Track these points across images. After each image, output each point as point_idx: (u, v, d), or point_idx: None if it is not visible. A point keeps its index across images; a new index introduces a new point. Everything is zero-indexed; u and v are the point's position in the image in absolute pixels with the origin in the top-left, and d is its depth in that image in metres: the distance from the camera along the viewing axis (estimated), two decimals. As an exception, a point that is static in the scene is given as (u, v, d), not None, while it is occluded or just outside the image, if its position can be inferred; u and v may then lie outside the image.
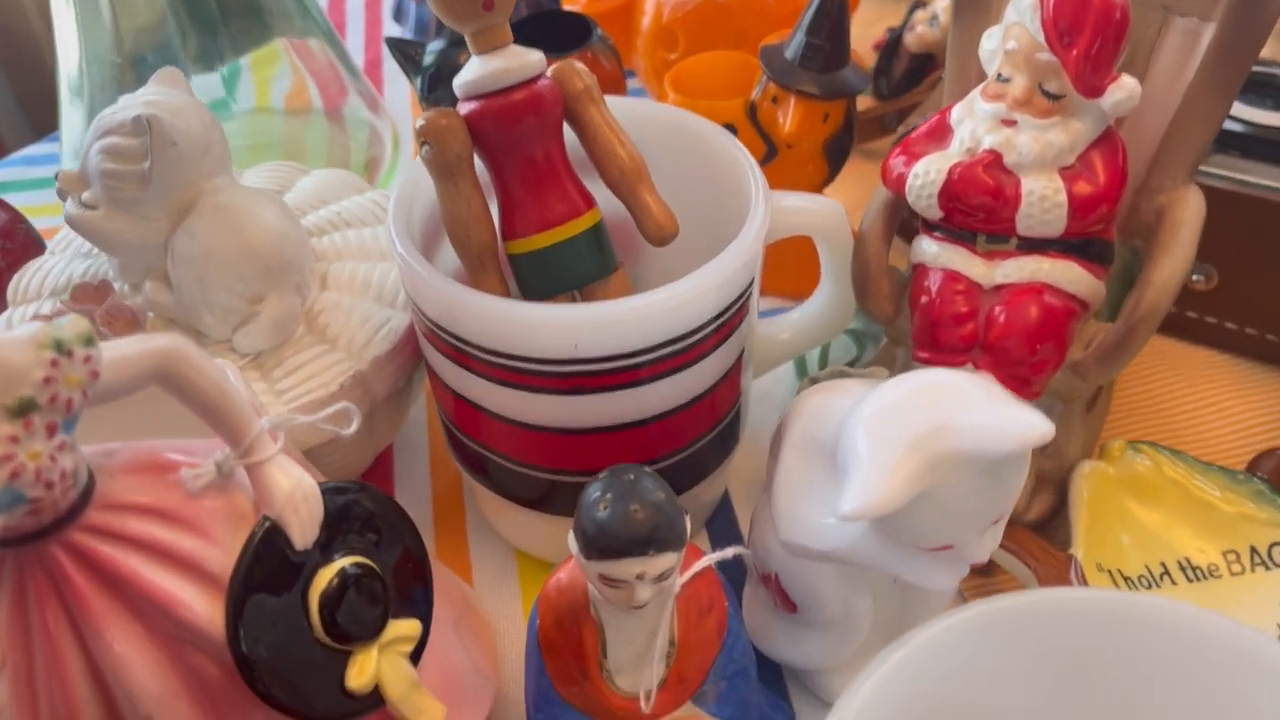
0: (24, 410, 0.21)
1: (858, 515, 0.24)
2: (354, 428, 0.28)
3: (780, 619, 0.33)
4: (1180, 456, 0.37)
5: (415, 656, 0.29)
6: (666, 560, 0.27)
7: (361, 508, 0.28)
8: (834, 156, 0.45)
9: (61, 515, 0.24)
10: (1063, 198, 0.32)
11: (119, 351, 0.23)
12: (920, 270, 0.35)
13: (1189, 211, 0.35)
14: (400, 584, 0.29)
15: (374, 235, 0.40)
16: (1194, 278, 0.43)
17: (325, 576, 0.27)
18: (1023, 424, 0.23)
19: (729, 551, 0.31)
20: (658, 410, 0.33)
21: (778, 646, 0.33)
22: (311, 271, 0.37)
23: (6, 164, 0.62)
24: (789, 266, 0.46)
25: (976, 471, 0.24)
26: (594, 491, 0.27)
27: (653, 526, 0.27)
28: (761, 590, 0.34)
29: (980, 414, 0.24)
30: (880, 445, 0.24)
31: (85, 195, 0.35)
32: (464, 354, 0.32)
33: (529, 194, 0.33)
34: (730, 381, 0.35)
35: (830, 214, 0.36)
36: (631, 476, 0.27)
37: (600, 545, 0.27)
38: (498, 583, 0.38)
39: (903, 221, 0.38)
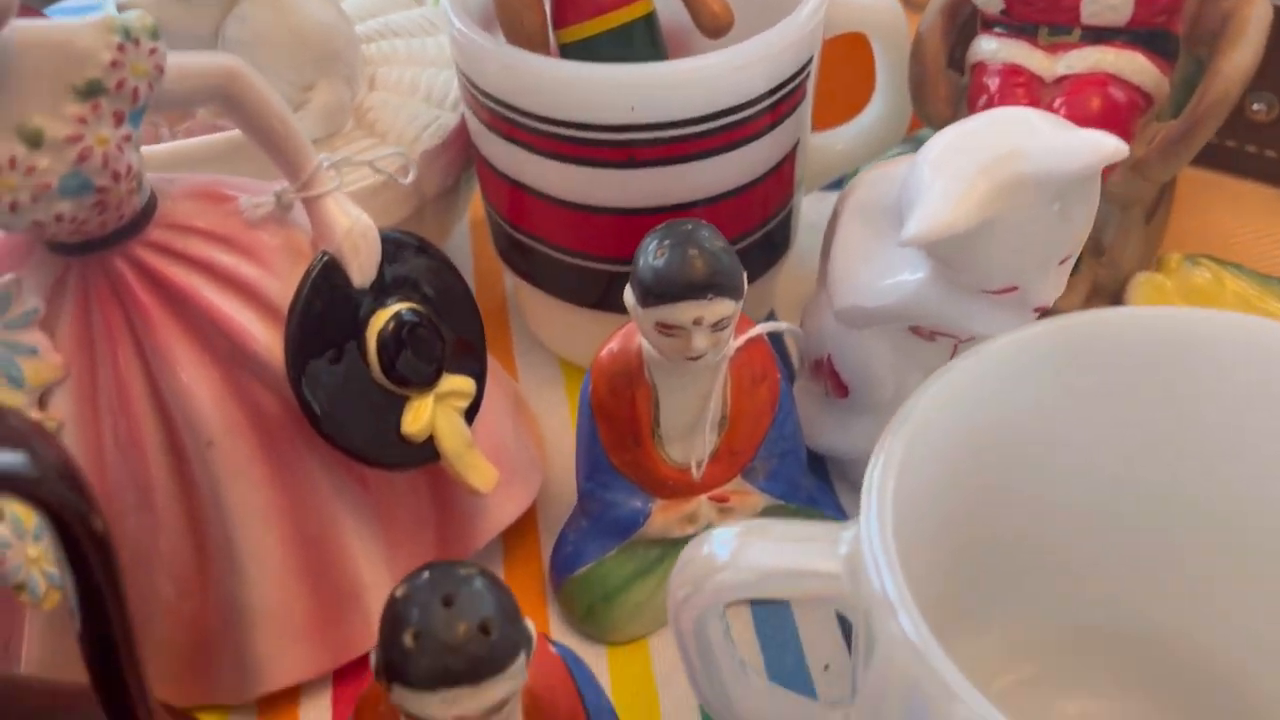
0: (92, 92, 0.21)
1: (923, 237, 0.23)
2: (410, 178, 0.28)
3: (830, 409, 0.33)
4: (1241, 270, 0.37)
5: (469, 417, 0.29)
6: (724, 307, 0.27)
7: (419, 259, 0.28)
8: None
9: (125, 225, 0.24)
10: (1132, -21, 0.32)
11: (185, 58, 0.23)
12: (979, 68, 0.35)
13: (1257, 9, 0.34)
14: (454, 341, 0.29)
15: (422, 45, 0.40)
16: (1254, 107, 0.42)
17: (382, 318, 0.27)
18: (1092, 142, 0.23)
19: (781, 325, 0.31)
20: (708, 193, 0.32)
21: (827, 436, 0.33)
22: (361, 68, 0.37)
23: None
24: (839, 96, 0.45)
25: (1045, 198, 0.24)
26: (651, 241, 0.27)
27: (711, 271, 0.26)
28: (811, 384, 0.34)
29: (1049, 138, 0.24)
30: (948, 173, 0.24)
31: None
32: (519, 128, 0.31)
33: (582, -21, 0.33)
34: (782, 176, 0.34)
35: (887, 10, 0.35)
36: (689, 227, 0.27)
37: (658, 290, 0.26)
38: (544, 391, 0.38)
39: (960, 28, 0.37)
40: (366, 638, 0.30)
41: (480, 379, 0.29)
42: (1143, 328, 0.23)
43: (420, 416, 0.28)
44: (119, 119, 0.22)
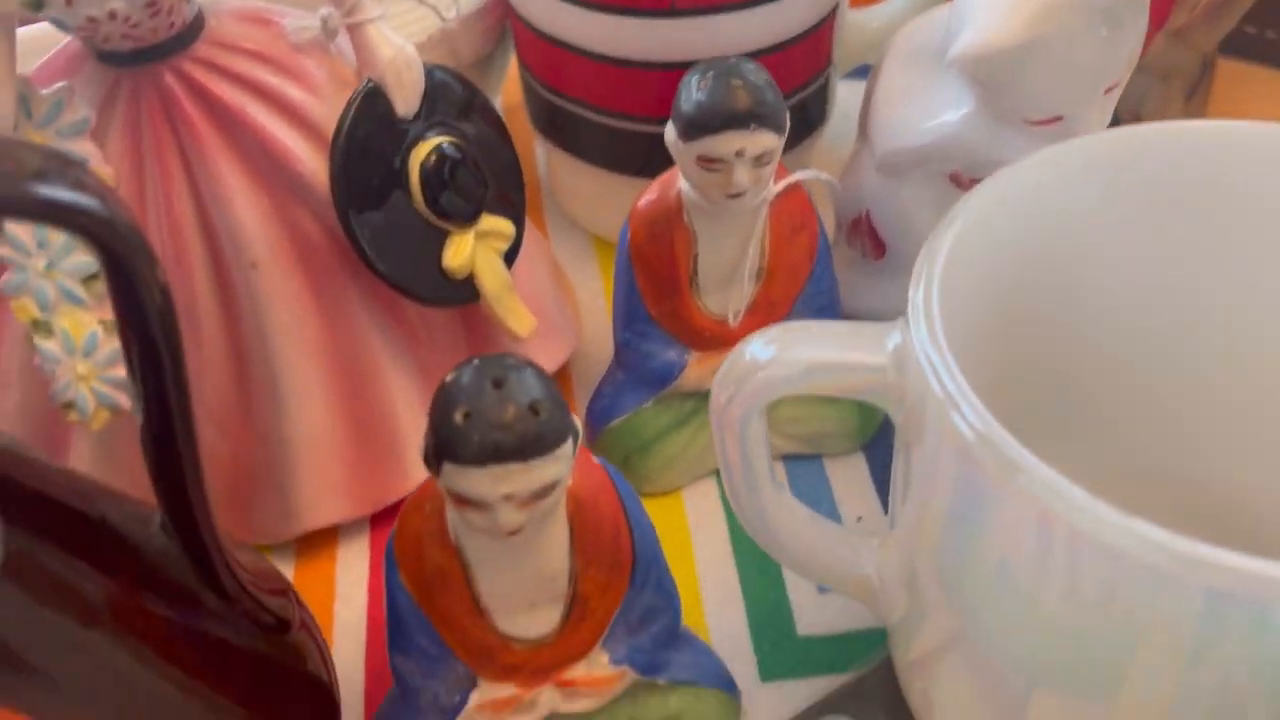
0: (145, -115, 0.22)
1: (971, 54, 0.23)
2: (453, 13, 0.28)
3: (866, 271, 0.33)
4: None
5: (509, 261, 0.29)
6: (767, 139, 0.27)
7: (463, 94, 0.28)
8: None
9: (174, 36, 0.24)
10: None
11: None
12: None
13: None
14: (496, 180, 0.29)
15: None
16: (1297, -7, 0.42)
17: (425, 149, 0.27)
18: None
19: (821, 174, 0.31)
20: (747, 47, 0.32)
21: (864, 297, 0.33)
22: (399, -67, 0.37)
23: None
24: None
25: (1093, 19, 0.24)
26: (694, 75, 0.27)
27: (755, 101, 0.26)
28: (847, 249, 0.34)
29: (1100, -44, 0.23)
30: (996, -6, 0.24)
31: None
32: (558, -24, 0.31)
33: None
34: (819, 40, 0.34)
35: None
36: (733, 60, 0.27)
37: (701, 120, 0.26)
38: (580, 265, 0.38)
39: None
40: (404, 484, 0.30)
41: (519, 224, 0.29)
42: (1180, 139, 0.23)
43: (461, 251, 0.28)
44: (172, -83, 0.22)
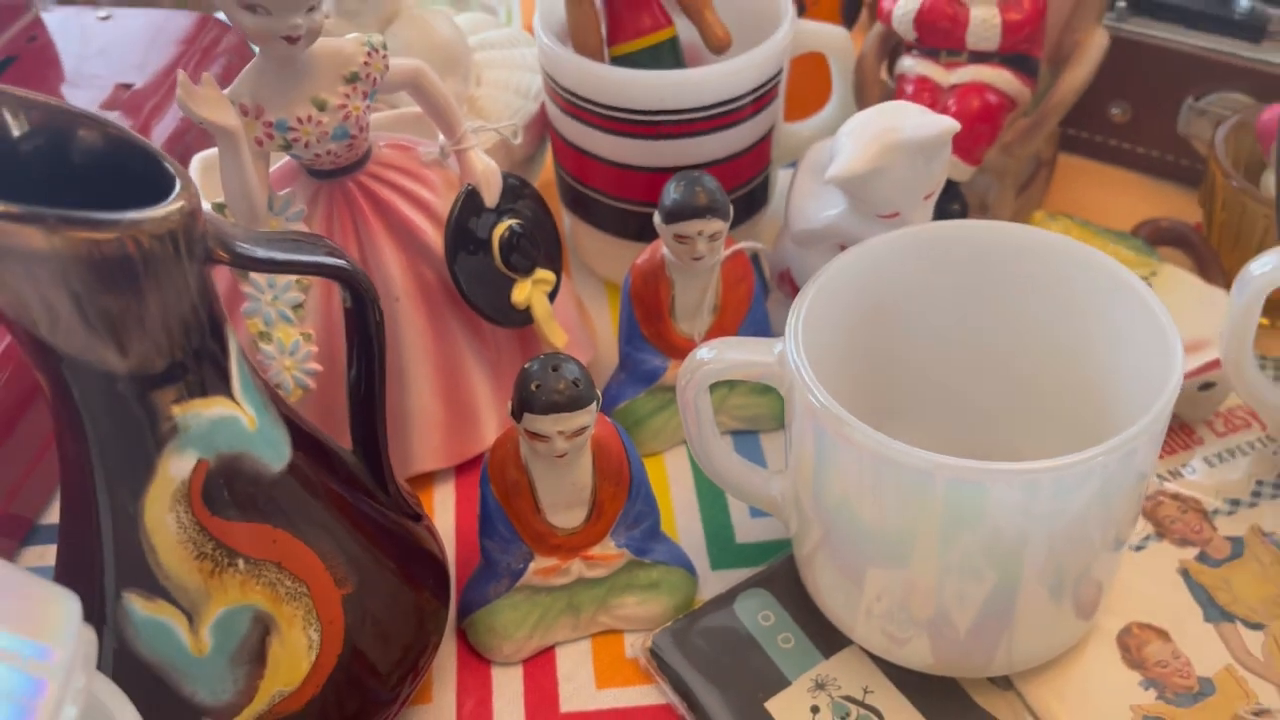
0: (353, 79, 0.37)
1: (840, 175, 0.39)
2: (519, 139, 0.44)
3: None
4: (1088, 224, 0.52)
5: (551, 298, 0.45)
6: (717, 225, 0.42)
7: (524, 192, 0.44)
8: (848, 14, 0.60)
9: (356, 161, 0.40)
10: (998, 21, 0.47)
11: (397, 61, 0.39)
12: (901, 78, 0.50)
13: (1094, 43, 0.50)
14: (545, 246, 0.44)
15: (510, 55, 0.55)
16: (1114, 111, 0.58)
17: (502, 227, 0.43)
18: (944, 120, 0.38)
19: (755, 245, 0.46)
20: (710, 158, 0.48)
21: (788, 325, 0.49)
22: (472, 69, 0.53)
23: None
24: (808, 98, 0.60)
25: (913, 154, 0.39)
26: (672, 183, 0.43)
27: (711, 200, 0.42)
28: (778, 292, 0.49)
29: (916, 118, 0.39)
30: (855, 138, 0.39)
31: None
32: (585, 110, 0.47)
33: (626, 12, 0.49)
34: (761, 150, 0.50)
35: (840, 36, 0.51)
36: (696, 173, 0.43)
37: (676, 211, 0.42)
38: (593, 302, 0.54)
39: (890, 52, 0.53)
40: (480, 445, 0.45)
41: (559, 274, 0.45)
42: (968, 233, 0.39)
43: (523, 292, 0.43)
44: (364, 95, 0.38)
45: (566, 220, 0.57)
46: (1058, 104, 0.49)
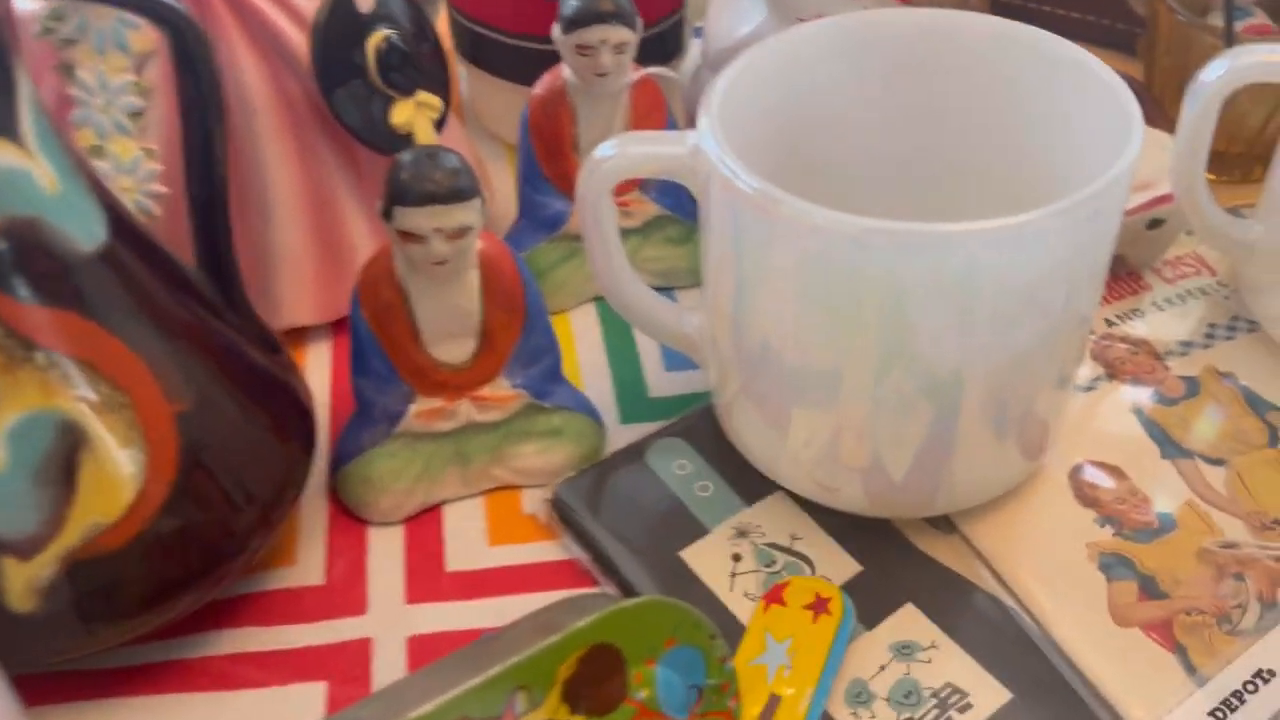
0: None
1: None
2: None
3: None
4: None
5: (438, 128, 0.40)
6: (623, 33, 0.38)
7: (406, 6, 0.39)
8: None
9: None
10: None
11: None
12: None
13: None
14: (426, 67, 0.39)
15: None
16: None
17: (378, 36, 0.37)
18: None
19: (664, 70, 0.42)
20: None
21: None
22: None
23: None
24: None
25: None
26: (572, -10, 0.38)
27: (615, 6, 0.37)
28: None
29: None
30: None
31: None
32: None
33: None
34: (676, -14, 0.46)
35: None
36: (600, -18, 0.38)
37: (576, 18, 0.37)
38: (493, 161, 0.49)
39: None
40: (358, 298, 0.40)
41: (446, 99, 0.40)
42: (899, 20, 0.35)
43: (404, 113, 0.38)
44: None
45: (464, 77, 0.52)
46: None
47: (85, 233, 0.27)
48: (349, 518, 0.35)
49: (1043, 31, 0.34)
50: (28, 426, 0.26)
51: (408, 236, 0.31)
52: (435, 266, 0.31)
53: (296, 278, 0.39)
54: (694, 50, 0.50)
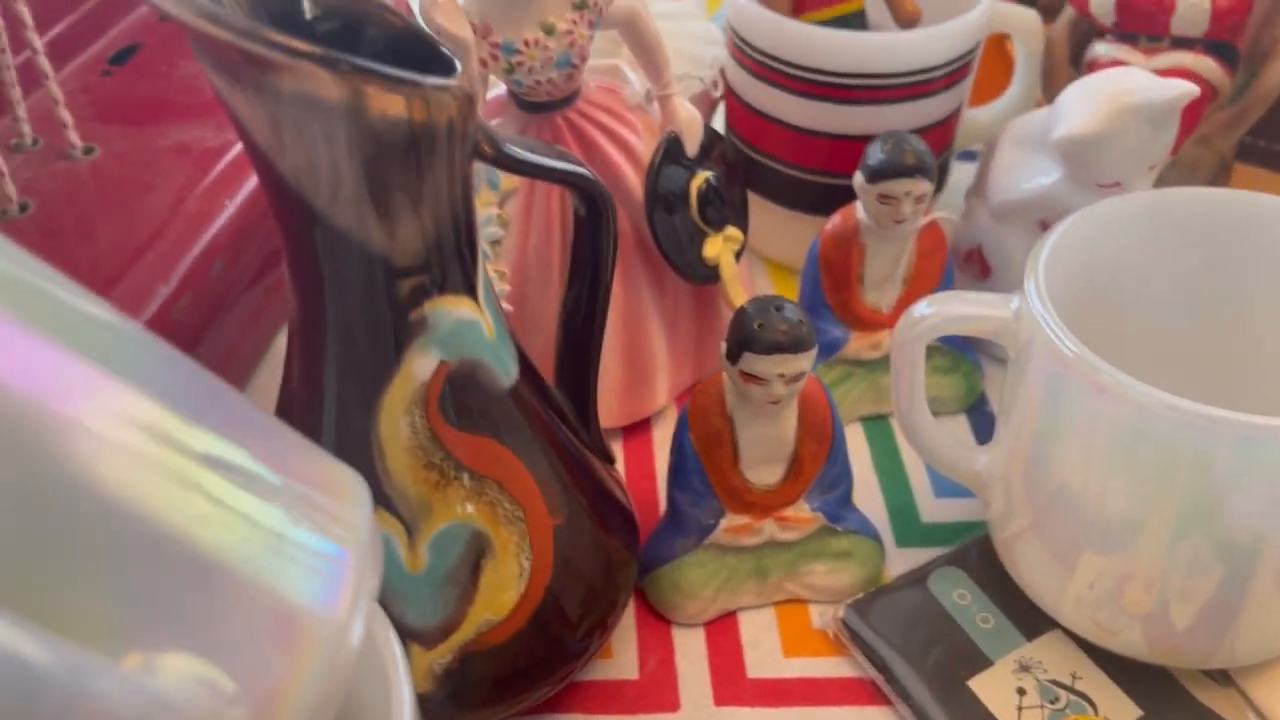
0: (581, 6, 0.36)
1: (1071, 135, 0.37)
2: (720, 91, 0.43)
3: (976, 287, 0.47)
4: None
5: (736, 259, 0.44)
6: (924, 186, 0.41)
7: (718, 145, 0.43)
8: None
9: (569, 95, 0.39)
10: (1207, 5, 0.46)
11: (615, -6, 0.38)
12: (1093, 64, 0.49)
13: (1299, 37, 0.48)
14: (734, 204, 0.43)
15: (680, 28, 0.55)
16: (1298, 118, 0.56)
17: (700, 178, 0.41)
18: (1181, 85, 0.37)
19: (950, 217, 0.45)
20: (900, 129, 0.47)
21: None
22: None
23: None
24: (984, 84, 0.59)
25: (1143, 120, 0.38)
26: (877, 142, 0.41)
27: (919, 160, 0.40)
28: (959, 272, 0.48)
29: (1150, 80, 0.38)
30: (1084, 99, 0.38)
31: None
32: (773, 71, 0.46)
33: (821, -20, 0.48)
34: (948, 127, 0.49)
35: (1031, 18, 0.50)
36: (903, 133, 0.41)
37: (882, 170, 0.41)
38: (757, 286, 0.53)
39: (1078, 40, 0.51)
40: (653, 404, 0.44)
41: (745, 234, 0.44)
42: (1203, 200, 0.37)
43: (715, 247, 0.42)
44: (590, 24, 0.37)
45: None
46: (1264, 95, 0.47)
47: (505, 371, 0.31)
48: (654, 616, 0.38)
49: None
50: (447, 536, 0.30)
51: (749, 378, 0.34)
52: (769, 405, 0.35)
53: (606, 386, 0.43)
54: (950, 184, 0.53)
